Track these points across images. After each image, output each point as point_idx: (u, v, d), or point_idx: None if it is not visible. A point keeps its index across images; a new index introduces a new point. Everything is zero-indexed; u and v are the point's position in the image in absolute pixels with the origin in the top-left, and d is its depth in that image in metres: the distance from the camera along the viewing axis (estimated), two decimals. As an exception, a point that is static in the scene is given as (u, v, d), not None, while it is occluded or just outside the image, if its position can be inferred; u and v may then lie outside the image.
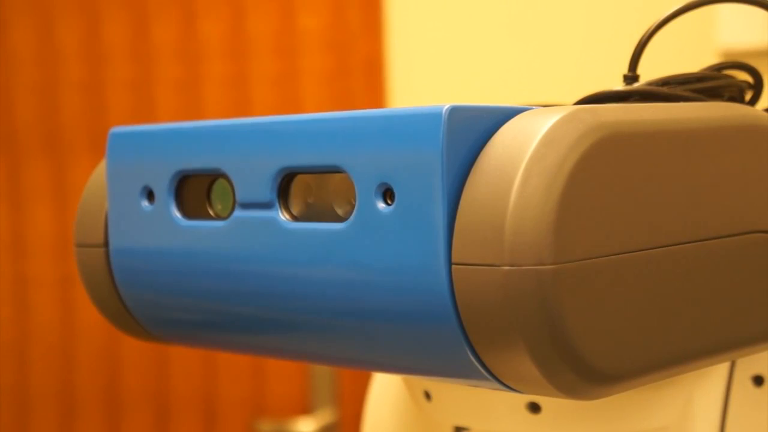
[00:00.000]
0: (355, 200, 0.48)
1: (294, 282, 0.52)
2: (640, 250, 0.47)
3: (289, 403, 1.53)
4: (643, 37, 0.57)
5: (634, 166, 0.47)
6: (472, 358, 0.46)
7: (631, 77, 0.56)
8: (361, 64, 1.47)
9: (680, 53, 1.25)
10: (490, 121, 0.46)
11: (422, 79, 1.41)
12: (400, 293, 0.47)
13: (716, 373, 0.58)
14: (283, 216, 0.52)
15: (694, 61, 1.25)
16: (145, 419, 1.61)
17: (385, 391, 0.69)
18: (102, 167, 0.63)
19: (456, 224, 0.45)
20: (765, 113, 0.54)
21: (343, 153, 0.49)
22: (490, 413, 0.59)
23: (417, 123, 0.46)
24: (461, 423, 0.61)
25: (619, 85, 0.55)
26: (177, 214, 0.57)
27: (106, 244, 0.60)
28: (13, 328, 1.66)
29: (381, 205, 0.48)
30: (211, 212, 0.56)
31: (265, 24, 1.51)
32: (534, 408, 0.58)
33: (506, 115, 0.47)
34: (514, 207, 0.44)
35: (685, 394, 0.57)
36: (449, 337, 0.46)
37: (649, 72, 0.57)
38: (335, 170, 0.50)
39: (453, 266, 0.45)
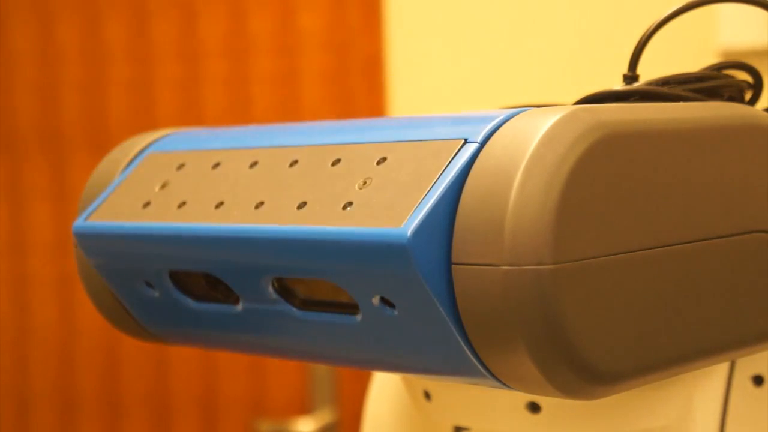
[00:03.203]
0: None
1: (312, 356, 0.53)
2: (639, 250, 0.46)
3: (289, 403, 1.53)
4: (643, 36, 0.57)
5: (634, 165, 0.46)
6: (472, 358, 0.46)
7: (631, 77, 0.56)
8: (361, 64, 1.47)
9: (680, 53, 1.25)
10: (449, 198, 0.45)
11: (422, 79, 1.41)
12: (421, 357, 0.48)
13: (716, 373, 0.58)
14: (292, 306, 0.52)
15: (694, 61, 1.25)
16: (145, 419, 1.61)
17: (385, 391, 0.69)
18: (101, 168, 0.63)
19: (456, 224, 0.45)
20: (765, 113, 0.54)
21: (324, 271, 0.48)
22: (490, 413, 0.59)
23: (384, 249, 0.45)
24: (461, 423, 0.61)
25: (618, 85, 0.55)
26: (186, 299, 0.56)
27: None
28: (13, 327, 1.66)
29: (384, 308, 0.47)
30: (218, 295, 0.56)
31: (265, 24, 1.51)
32: (534, 408, 0.58)
33: (462, 175, 0.45)
34: (513, 207, 0.43)
35: (685, 394, 0.57)
36: (449, 337, 0.46)
37: (649, 72, 0.57)
38: (325, 280, 0.49)
39: (453, 266, 0.45)
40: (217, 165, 0.55)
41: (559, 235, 0.43)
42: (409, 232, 0.44)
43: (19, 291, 1.66)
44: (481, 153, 0.46)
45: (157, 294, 0.57)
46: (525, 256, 0.43)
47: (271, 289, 0.52)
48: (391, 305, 0.47)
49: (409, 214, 0.45)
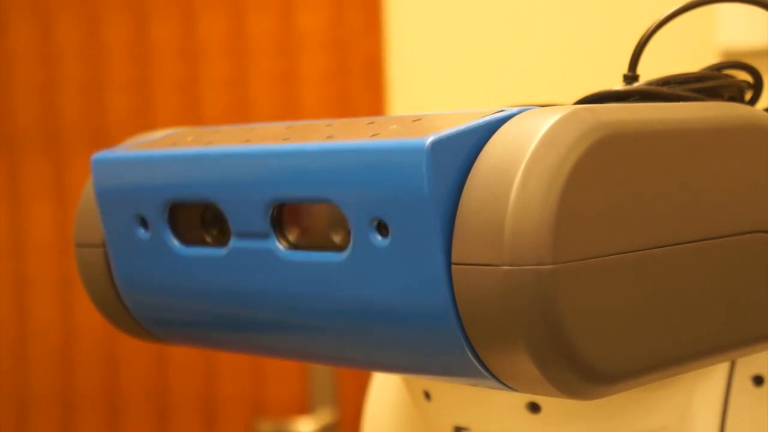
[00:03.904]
0: (349, 228, 0.48)
1: (295, 309, 0.52)
2: (640, 250, 0.47)
3: (289, 403, 1.53)
4: (643, 36, 0.57)
5: (634, 166, 0.46)
6: (472, 358, 0.46)
7: (631, 77, 0.56)
8: (361, 64, 1.47)
9: (680, 53, 1.25)
10: (474, 139, 0.46)
11: (422, 79, 1.41)
12: (402, 307, 0.47)
13: (716, 373, 0.58)
14: (280, 245, 0.52)
15: (694, 61, 1.25)
16: (145, 419, 1.61)
17: (385, 391, 0.69)
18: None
19: (456, 224, 0.45)
20: (765, 113, 0.54)
21: (331, 187, 0.49)
22: (490, 413, 0.59)
23: (400, 158, 0.46)
24: (461, 423, 0.61)
25: (619, 85, 0.55)
26: (174, 241, 0.56)
27: (105, 244, 0.60)
28: (13, 328, 1.66)
29: (376, 237, 0.47)
30: (207, 238, 0.56)
31: (265, 24, 1.51)
32: (534, 408, 0.58)
33: (490, 128, 0.46)
34: (513, 207, 0.44)
35: (685, 394, 0.57)
36: (449, 337, 0.46)
37: (649, 72, 0.57)
38: (326, 202, 0.49)
39: (453, 266, 0.45)
40: (252, 130, 0.56)
41: (560, 235, 0.43)
42: (428, 142, 0.45)
43: (18, 292, 1.66)
44: (481, 153, 0.46)
45: (147, 236, 0.57)
46: (525, 256, 0.43)
47: (267, 219, 0.52)
48: (385, 232, 0.47)
49: (433, 134, 0.46)
